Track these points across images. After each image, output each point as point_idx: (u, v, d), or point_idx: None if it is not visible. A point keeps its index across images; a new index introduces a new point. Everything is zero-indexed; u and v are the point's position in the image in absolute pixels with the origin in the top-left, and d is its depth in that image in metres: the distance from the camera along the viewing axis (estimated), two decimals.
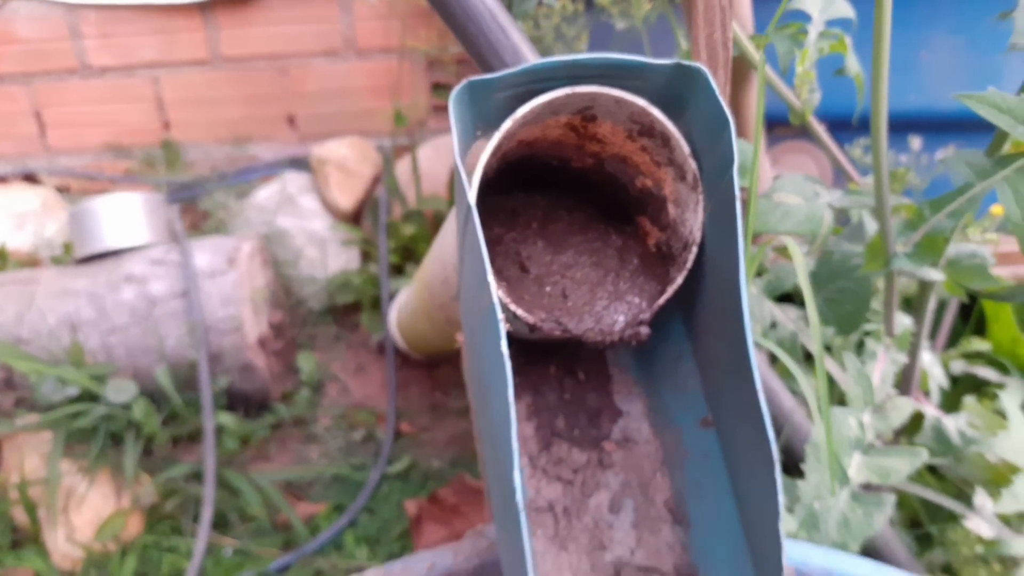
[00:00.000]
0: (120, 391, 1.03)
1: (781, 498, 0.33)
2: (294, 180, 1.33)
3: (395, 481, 1.12)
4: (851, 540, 0.44)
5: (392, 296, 1.25)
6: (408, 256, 1.32)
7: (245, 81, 1.67)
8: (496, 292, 0.30)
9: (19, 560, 1.03)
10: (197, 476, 1.08)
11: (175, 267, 1.07)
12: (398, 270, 1.32)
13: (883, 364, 0.61)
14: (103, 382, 1.04)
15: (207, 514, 1.00)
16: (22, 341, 1.05)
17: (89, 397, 1.04)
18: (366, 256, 1.35)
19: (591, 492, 0.41)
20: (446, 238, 0.76)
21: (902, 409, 0.55)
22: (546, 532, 0.40)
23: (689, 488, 0.39)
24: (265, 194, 1.31)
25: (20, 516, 1.05)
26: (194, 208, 1.38)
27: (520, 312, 0.36)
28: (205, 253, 1.11)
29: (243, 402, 1.14)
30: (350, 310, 1.33)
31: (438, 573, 0.39)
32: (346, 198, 1.31)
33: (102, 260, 1.11)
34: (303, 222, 1.29)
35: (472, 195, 0.33)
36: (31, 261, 1.26)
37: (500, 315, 0.30)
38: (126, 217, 1.14)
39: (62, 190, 1.58)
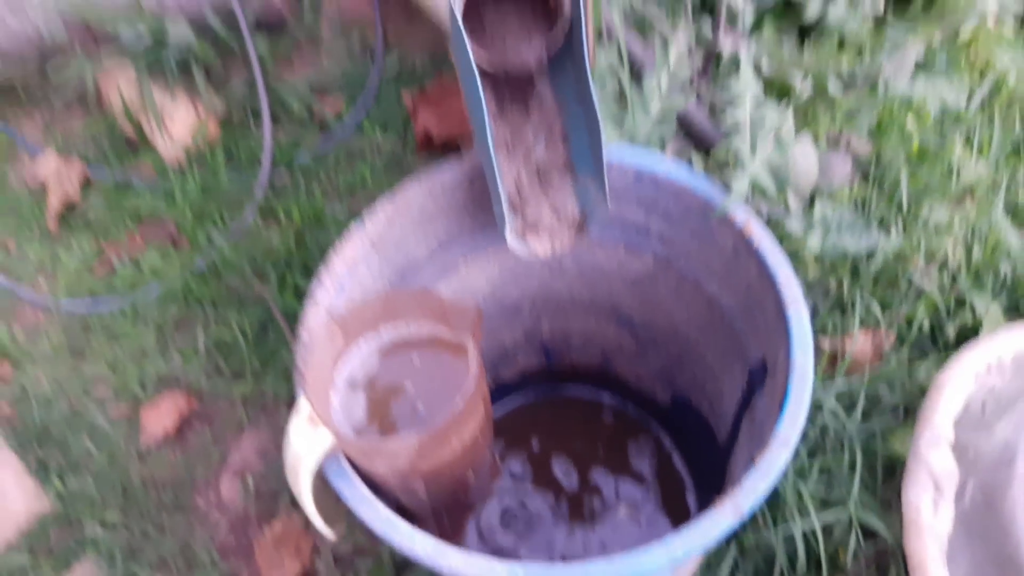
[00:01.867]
0: (179, 32, 1.37)
1: (604, 136, 0.75)
2: None
3: (391, 80, 1.51)
4: (655, 145, 0.87)
5: None
6: None
7: None
8: (471, 52, 0.68)
9: (137, 159, 1.47)
10: (248, 87, 1.46)
11: None
12: None
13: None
14: (162, 24, 1.36)
15: (266, 114, 1.41)
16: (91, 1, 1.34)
17: (156, 40, 1.37)
18: None
19: (523, 131, 0.83)
20: None
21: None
22: (502, 151, 0.83)
23: (570, 127, 0.81)
24: None
25: (127, 128, 1.46)
26: None
27: (477, 62, 0.74)
28: None
29: (266, 27, 1.47)
30: None
31: (456, 177, 0.83)
32: None
33: None
34: None
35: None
36: None
37: (474, 65, 0.69)
38: None
39: None
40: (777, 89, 1.02)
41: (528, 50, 0.76)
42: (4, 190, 1.46)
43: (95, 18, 1.34)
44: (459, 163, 0.84)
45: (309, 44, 1.54)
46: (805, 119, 1.02)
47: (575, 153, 0.82)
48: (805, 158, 0.90)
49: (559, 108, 0.82)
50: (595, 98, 0.73)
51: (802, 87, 1.00)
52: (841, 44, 1.13)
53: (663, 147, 0.90)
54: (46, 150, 1.46)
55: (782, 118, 0.83)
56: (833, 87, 1.03)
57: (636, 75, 0.95)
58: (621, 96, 0.92)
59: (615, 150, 0.82)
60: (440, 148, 1.41)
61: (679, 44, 0.86)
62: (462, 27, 0.68)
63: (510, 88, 0.82)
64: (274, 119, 1.45)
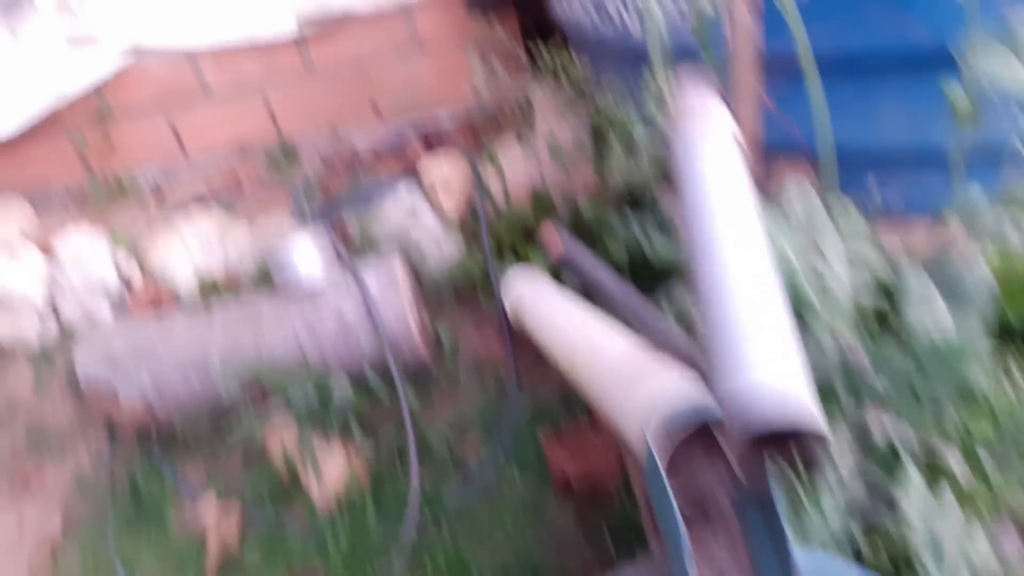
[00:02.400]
0: (339, 385, 1.51)
1: (791, 550, 0.79)
2: (410, 195, 1.71)
3: (525, 420, 1.60)
4: (831, 541, 0.91)
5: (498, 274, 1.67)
6: (501, 245, 1.72)
7: (334, 82, 1.99)
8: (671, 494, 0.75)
9: (291, 502, 1.55)
10: (396, 432, 1.57)
11: (358, 298, 1.50)
12: (498, 254, 1.73)
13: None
14: (326, 380, 1.51)
15: (414, 461, 1.50)
16: (263, 359, 1.51)
17: (320, 396, 1.51)
18: (471, 246, 1.76)
19: (711, 546, 0.87)
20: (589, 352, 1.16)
21: None
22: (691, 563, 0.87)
23: (753, 545, 0.86)
24: (392, 208, 1.70)
25: (283, 475, 1.56)
26: (339, 221, 1.77)
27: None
28: (372, 278, 1.53)
29: (413, 375, 1.61)
30: (465, 289, 1.75)
31: None
32: (450, 205, 1.70)
33: (301, 292, 1.55)
34: (424, 228, 1.69)
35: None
36: (231, 283, 1.68)
37: (676, 509, 0.75)
38: (307, 253, 1.55)
39: (204, 198, 1.96)
40: (930, 468, 1.06)
41: (717, 487, 0.83)
42: (166, 535, 1.54)
43: (269, 379, 1.50)
44: (648, 567, 0.88)
45: (449, 386, 1.67)
46: (962, 497, 1.05)
47: (762, 566, 0.85)
48: (981, 548, 0.92)
49: (741, 521, 0.87)
50: (784, 523, 0.78)
51: (958, 467, 1.04)
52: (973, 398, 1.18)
53: (838, 541, 0.93)
54: (207, 494, 1.56)
55: (956, 525, 0.86)
56: (984, 459, 1.06)
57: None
58: (792, 495, 0.98)
59: (800, 563, 0.86)
60: (577, 491, 1.46)
61: (839, 442, 0.92)
62: (664, 477, 0.76)
63: (691, 504, 0.88)
64: (419, 461, 1.54)
